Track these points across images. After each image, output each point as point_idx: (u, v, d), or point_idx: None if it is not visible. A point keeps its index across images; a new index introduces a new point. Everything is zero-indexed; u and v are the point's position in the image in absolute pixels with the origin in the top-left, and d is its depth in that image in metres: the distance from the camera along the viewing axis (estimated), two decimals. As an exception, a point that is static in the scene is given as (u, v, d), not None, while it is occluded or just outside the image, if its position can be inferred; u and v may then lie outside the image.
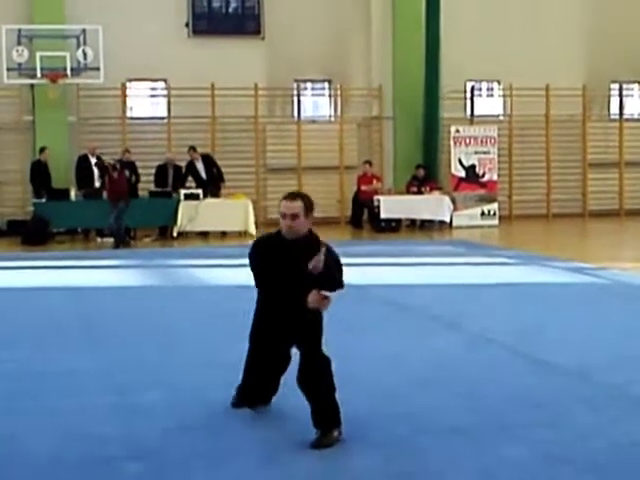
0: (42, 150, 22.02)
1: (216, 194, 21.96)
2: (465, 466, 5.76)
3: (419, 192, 23.45)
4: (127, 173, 20.62)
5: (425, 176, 23.80)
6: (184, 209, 21.08)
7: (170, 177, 22.21)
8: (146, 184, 22.22)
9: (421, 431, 6.51)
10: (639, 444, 6.14)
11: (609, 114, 27.26)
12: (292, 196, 6.40)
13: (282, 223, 6.34)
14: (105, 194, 20.50)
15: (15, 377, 8.29)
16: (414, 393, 7.55)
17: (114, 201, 19.83)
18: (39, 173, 21.87)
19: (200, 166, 22.36)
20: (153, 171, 22.39)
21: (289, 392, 7.14)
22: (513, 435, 6.38)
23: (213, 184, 22.13)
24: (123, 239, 20.02)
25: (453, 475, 5.62)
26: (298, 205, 6.31)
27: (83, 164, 21.76)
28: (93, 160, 21.59)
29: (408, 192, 23.60)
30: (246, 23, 24.55)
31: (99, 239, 21.08)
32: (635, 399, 7.29)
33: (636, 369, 8.24)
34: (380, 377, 8.07)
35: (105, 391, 7.72)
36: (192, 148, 22.42)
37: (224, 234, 21.72)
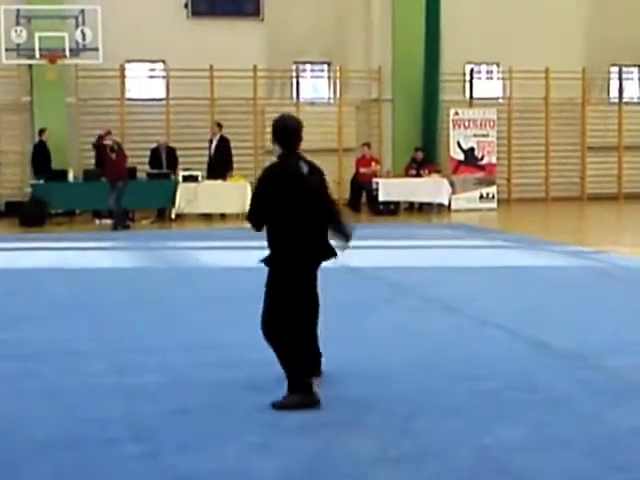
0: (42, 131, 21.99)
1: (219, 177, 21.80)
2: (463, 448, 5.79)
3: (418, 175, 23.44)
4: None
5: (424, 159, 23.78)
6: (182, 191, 21.06)
7: (164, 160, 22.15)
8: (144, 166, 22.17)
9: (419, 413, 6.54)
10: (636, 428, 6.17)
11: (608, 97, 27.24)
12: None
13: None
14: (104, 175, 20.44)
15: (15, 358, 8.32)
16: (412, 375, 7.58)
17: (112, 182, 19.80)
18: (40, 154, 21.83)
19: (213, 145, 22.31)
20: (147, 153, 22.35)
21: (284, 377, 7.16)
22: (511, 417, 6.42)
23: (220, 167, 21.98)
24: (122, 221, 19.99)
25: (451, 457, 5.65)
26: None
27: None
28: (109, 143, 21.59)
29: (407, 175, 23.59)
30: (245, 4, 24.46)
31: (97, 221, 21.06)
32: (634, 383, 7.33)
33: (635, 353, 8.26)
34: (378, 359, 8.10)
35: (106, 372, 7.75)
36: (218, 125, 22.42)
37: (223, 216, 21.70)
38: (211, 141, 22.37)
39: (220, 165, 22.03)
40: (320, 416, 6.46)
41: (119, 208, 19.88)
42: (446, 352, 8.35)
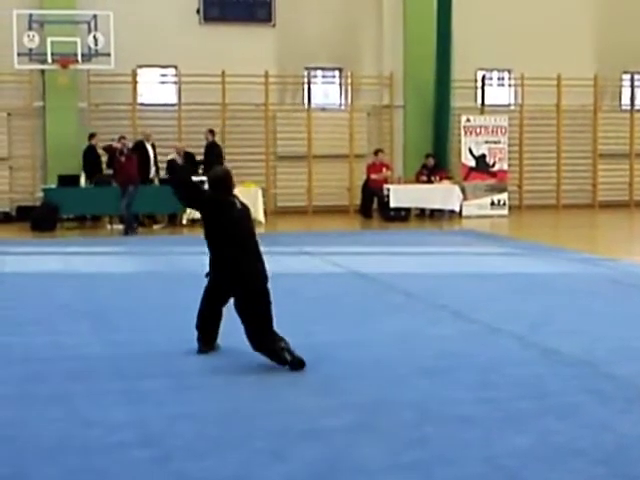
0: (92, 135, 22.00)
1: None
2: (473, 455, 5.76)
3: (429, 181, 23.42)
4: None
5: (435, 165, 23.76)
6: (194, 196, 21.02)
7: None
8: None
9: (429, 419, 6.51)
10: (647, 435, 6.14)
11: (620, 104, 27.19)
12: None
13: None
14: (115, 179, 20.48)
15: (24, 362, 8.31)
16: (422, 381, 7.55)
17: (123, 186, 19.81)
18: (90, 158, 21.86)
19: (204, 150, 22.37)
20: (162, 158, 22.37)
21: (293, 382, 7.17)
22: (521, 424, 6.38)
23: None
24: (132, 226, 19.97)
25: (461, 464, 5.62)
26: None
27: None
28: (148, 145, 21.68)
29: (418, 181, 23.58)
30: (257, 10, 24.50)
31: (109, 226, 21.08)
32: (643, 390, 7.29)
33: (644, 360, 8.23)
34: (388, 365, 8.08)
35: (113, 376, 7.75)
36: (210, 131, 22.47)
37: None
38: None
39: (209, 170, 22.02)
40: (329, 422, 6.44)
41: (130, 213, 19.89)
42: (456, 359, 8.31)
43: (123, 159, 19.75)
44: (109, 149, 20.07)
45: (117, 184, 20.06)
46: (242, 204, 8.31)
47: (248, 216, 8.41)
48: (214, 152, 22.40)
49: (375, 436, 6.16)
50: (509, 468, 5.55)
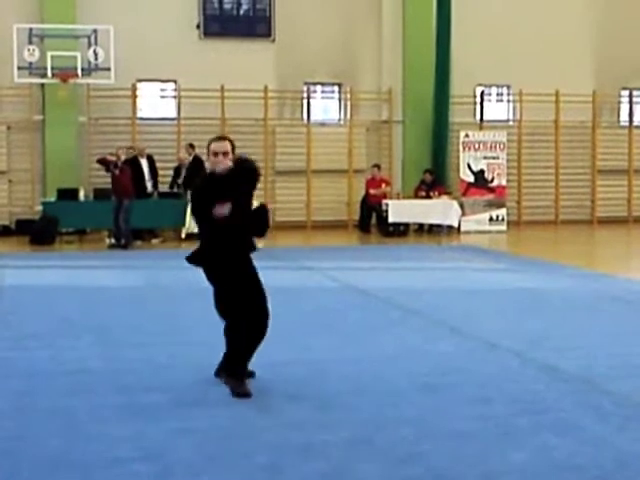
0: (192, 146, 22.17)
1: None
2: (470, 471, 5.77)
3: (427, 197, 23.47)
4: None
5: (433, 181, 23.82)
6: (192, 211, 21.04)
7: (182, 176, 22.21)
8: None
9: (427, 435, 6.52)
10: (645, 452, 6.16)
11: (619, 121, 27.26)
12: (221, 138, 7.74)
13: (212, 160, 7.53)
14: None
15: (24, 376, 8.32)
16: (419, 397, 7.57)
17: (118, 197, 19.86)
18: (195, 170, 21.89)
19: (186, 165, 22.31)
20: (162, 172, 22.44)
21: (292, 397, 7.19)
22: (518, 440, 6.39)
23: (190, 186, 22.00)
24: (129, 240, 19.96)
25: (459, 480, 5.63)
26: (227, 144, 7.53)
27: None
28: (143, 160, 21.75)
29: (416, 197, 23.63)
30: (257, 25, 24.59)
31: (108, 240, 21.10)
32: (641, 407, 7.30)
33: (643, 377, 8.24)
34: (386, 381, 8.09)
35: (113, 391, 7.75)
36: (191, 145, 22.43)
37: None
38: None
39: (192, 183, 21.96)
40: (328, 437, 6.45)
41: (127, 227, 19.90)
42: (454, 374, 8.33)
43: (117, 172, 19.75)
44: (103, 161, 20.07)
45: (113, 196, 20.05)
46: None
47: None
48: (200, 166, 22.39)
49: (373, 451, 6.17)
50: (507, 484, 5.56)
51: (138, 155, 21.89)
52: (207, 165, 7.65)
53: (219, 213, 7.30)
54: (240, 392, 7.38)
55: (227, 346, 7.72)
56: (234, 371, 7.56)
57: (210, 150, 7.55)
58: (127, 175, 19.96)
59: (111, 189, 20.37)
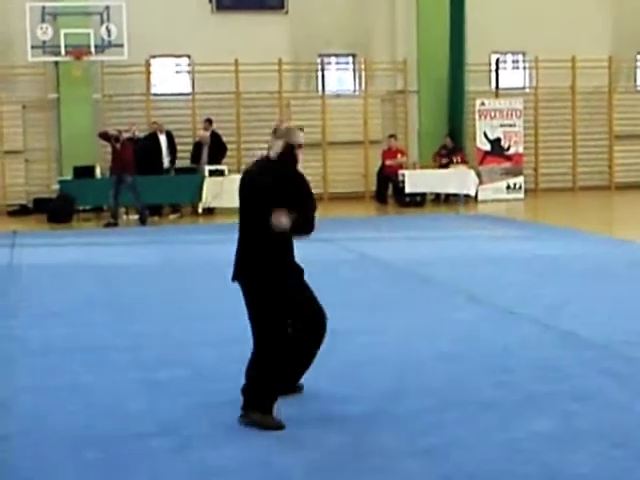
0: (210, 121, 22.35)
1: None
2: (492, 440, 5.76)
3: (449, 162, 23.27)
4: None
5: (454, 146, 23.68)
6: (209, 185, 21.08)
7: (204, 154, 22.21)
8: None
9: (447, 405, 6.51)
10: (667, 417, 6.13)
11: (635, 86, 27.02)
12: (299, 129, 6.79)
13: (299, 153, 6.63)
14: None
15: (43, 353, 8.35)
16: (440, 367, 7.55)
17: (118, 174, 19.66)
18: (214, 145, 22.24)
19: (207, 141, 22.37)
20: (178, 148, 22.45)
21: (311, 369, 7.17)
22: (540, 408, 6.38)
23: (214, 160, 22.05)
24: (145, 216, 19.91)
25: (480, 449, 5.61)
26: None
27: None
28: (162, 136, 21.76)
29: (435, 162, 23.49)
30: (269, -2, 24.46)
31: (125, 217, 21.10)
32: (663, 372, 7.27)
33: (663, 342, 8.20)
34: (406, 351, 8.08)
35: (132, 367, 7.77)
36: (208, 120, 22.50)
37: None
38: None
39: (214, 159, 22.02)
40: (347, 408, 6.45)
41: (141, 203, 19.84)
42: (474, 343, 8.31)
43: (119, 146, 19.65)
44: (105, 136, 19.95)
45: (112, 172, 19.94)
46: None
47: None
48: (219, 141, 22.42)
49: (393, 422, 6.16)
50: (528, 451, 5.55)
51: (157, 130, 21.89)
52: (275, 150, 6.72)
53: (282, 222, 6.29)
54: (271, 426, 6.11)
55: (252, 378, 6.32)
56: (262, 404, 6.22)
57: (297, 139, 6.71)
58: (129, 150, 19.81)
59: (111, 165, 20.22)
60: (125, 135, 20.00)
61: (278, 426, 6.09)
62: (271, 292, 6.26)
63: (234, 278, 6.55)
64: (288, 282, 6.41)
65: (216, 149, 22.29)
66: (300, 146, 6.61)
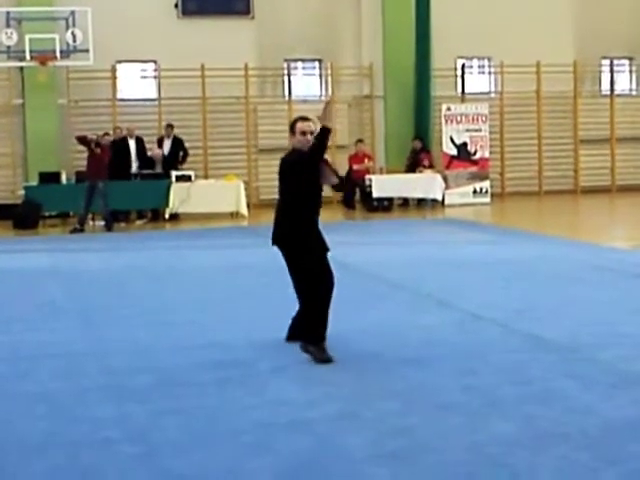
0: (170, 127, 22.46)
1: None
2: (456, 443, 5.78)
3: (416, 165, 23.44)
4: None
5: (422, 147, 23.79)
6: (176, 191, 21.05)
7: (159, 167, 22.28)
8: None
9: (413, 408, 6.53)
10: (630, 420, 6.17)
11: (600, 90, 27.26)
12: (306, 118, 8.07)
13: (301, 139, 7.93)
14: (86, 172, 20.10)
15: (8, 360, 8.30)
16: (406, 370, 7.57)
17: (93, 180, 19.46)
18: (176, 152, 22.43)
19: (168, 145, 22.33)
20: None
21: (278, 374, 7.19)
22: (504, 411, 6.41)
23: (173, 165, 22.06)
24: (111, 222, 19.82)
25: (446, 452, 5.64)
26: (312, 124, 7.98)
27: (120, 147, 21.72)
28: (132, 141, 21.72)
29: (408, 170, 23.56)
30: (235, 3, 24.44)
31: (91, 222, 21.01)
32: (625, 375, 7.32)
33: (627, 345, 8.26)
34: (372, 355, 8.10)
35: (98, 373, 7.74)
36: (170, 125, 22.50)
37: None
38: (160, 140, 22.51)
39: (172, 164, 22.01)
40: (313, 413, 6.46)
41: (108, 210, 19.75)
42: (440, 347, 8.34)
43: (98, 150, 19.54)
44: (84, 139, 19.81)
45: (87, 177, 19.74)
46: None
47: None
48: (181, 146, 22.45)
49: (359, 426, 6.18)
50: (494, 455, 5.57)
51: (127, 135, 21.87)
52: (293, 143, 8.03)
53: (332, 181, 8.18)
54: (322, 358, 7.73)
55: (303, 315, 8.12)
56: (315, 337, 7.87)
57: (297, 129, 7.94)
58: (107, 156, 19.76)
59: (86, 170, 20.06)
60: (107, 139, 19.93)
61: (328, 359, 7.70)
62: (306, 253, 8.02)
63: (274, 243, 8.22)
64: (316, 247, 8.10)
65: (176, 154, 22.30)
66: (304, 133, 7.95)
